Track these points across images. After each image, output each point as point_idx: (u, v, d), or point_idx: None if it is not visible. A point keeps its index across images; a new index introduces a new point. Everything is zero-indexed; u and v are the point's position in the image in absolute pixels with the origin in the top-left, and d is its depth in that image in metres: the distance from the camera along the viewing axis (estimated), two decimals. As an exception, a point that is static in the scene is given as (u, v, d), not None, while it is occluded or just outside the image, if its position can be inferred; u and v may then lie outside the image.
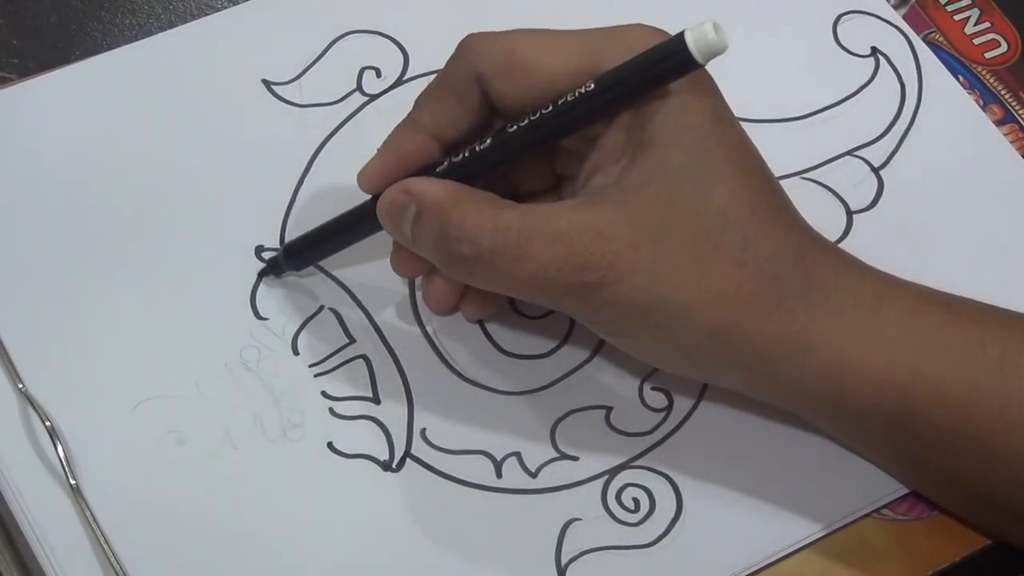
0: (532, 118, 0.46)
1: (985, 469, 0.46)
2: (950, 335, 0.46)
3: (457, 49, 0.48)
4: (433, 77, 0.49)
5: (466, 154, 0.47)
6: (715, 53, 0.42)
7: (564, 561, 0.48)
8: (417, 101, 0.49)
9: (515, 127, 0.47)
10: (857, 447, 0.50)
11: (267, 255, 0.53)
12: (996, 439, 0.45)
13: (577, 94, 0.45)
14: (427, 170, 0.48)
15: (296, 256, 0.52)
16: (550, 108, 0.46)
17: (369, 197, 0.49)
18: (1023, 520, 0.47)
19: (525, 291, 0.46)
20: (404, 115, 0.49)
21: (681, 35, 0.43)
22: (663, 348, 0.47)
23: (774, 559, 0.49)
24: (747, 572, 0.48)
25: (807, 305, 0.45)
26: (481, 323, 0.52)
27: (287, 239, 0.53)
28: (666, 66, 0.44)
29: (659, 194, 0.45)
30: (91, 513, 0.47)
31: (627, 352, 0.48)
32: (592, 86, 0.45)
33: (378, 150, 0.49)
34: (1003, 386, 0.45)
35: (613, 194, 0.45)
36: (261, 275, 0.52)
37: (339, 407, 0.50)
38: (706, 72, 0.45)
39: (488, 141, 0.47)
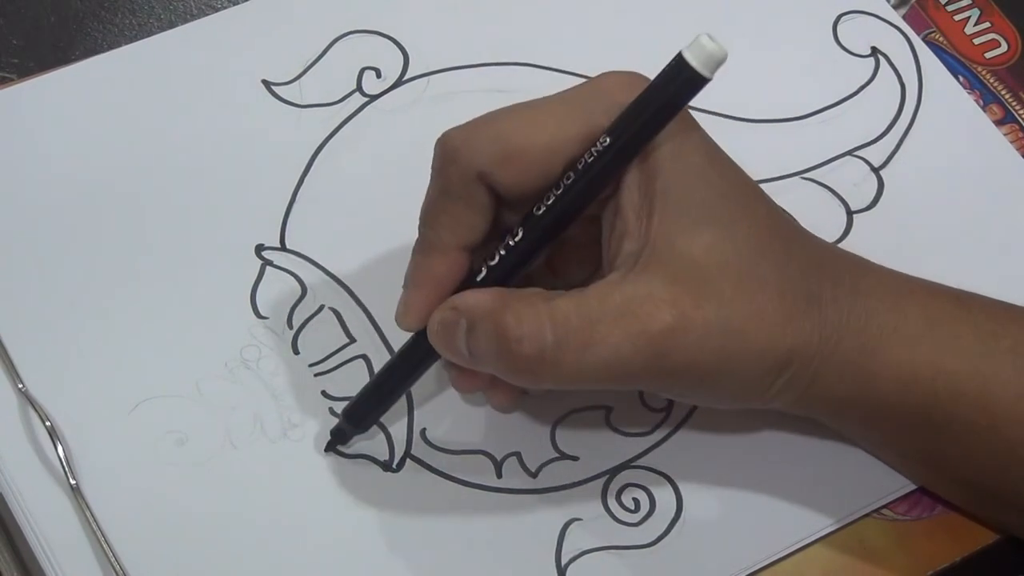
0: (557, 192, 0.44)
1: (1002, 461, 0.46)
2: (963, 329, 0.46)
3: (440, 152, 0.46)
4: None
5: (502, 253, 0.45)
6: (718, 63, 0.42)
7: (564, 561, 0.48)
8: (425, 221, 0.47)
9: (542, 208, 0.45)
10: (874, 446, 0.50)
11: (267, 254, 0.53)
12: (1012, 430, 0.46)
13: (594, 153, 0.44)
14: (466, 284, 0.46)
15: (359, 420, 0.49)
16: (571, 177, 0.44)
17: (411, 335, 0.47)
18: None
19: (599, 379, 0.44)
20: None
21: (679, 56, 0.42)
22: (731, 394, 0.46)
23: (774, 559, 0.49)
24: (747, 572, 0.48)
25: (839, 314, 0.46)
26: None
27: (287, 241, 0.53)
28: (675, 90, 0.43)
29: (692, 244, 0.44)
30: (91, 513, 0.47)
31: (686, 402, 0.48)
32: (607, 140, 0.44)
33: (406, 286, 0.47)
34: (1017, 377, 0.46)
35: (650, 256, 0.44)
36: (327, 449, 0.49)
37: (339, 407, 0.50)
38: (685, 108, 0.44)
39: (520, 232, 0.45)
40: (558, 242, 0.46)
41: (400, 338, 0.52)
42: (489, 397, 0.49)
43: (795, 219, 0.47)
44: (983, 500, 0.49)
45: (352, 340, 0.52)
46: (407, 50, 0.58)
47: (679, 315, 0.43)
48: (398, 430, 0.50)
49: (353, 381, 0.50)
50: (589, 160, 0.44)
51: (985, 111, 0.59)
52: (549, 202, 0.45)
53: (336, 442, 0.49)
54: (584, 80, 0.46)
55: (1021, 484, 0.47)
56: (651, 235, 0.44)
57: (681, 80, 0.42)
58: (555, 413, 0.51)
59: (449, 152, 0.45)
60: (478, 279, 0.46)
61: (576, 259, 0.48)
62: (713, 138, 0.46)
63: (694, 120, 0.45)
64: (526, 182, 0.45)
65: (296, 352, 0.51)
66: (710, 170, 0.45)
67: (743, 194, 0.45)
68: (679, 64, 0.42)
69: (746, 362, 0.44)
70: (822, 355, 0.45)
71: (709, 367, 0.44)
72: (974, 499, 0.49)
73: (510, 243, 0.45)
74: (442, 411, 0.51)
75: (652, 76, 0.43)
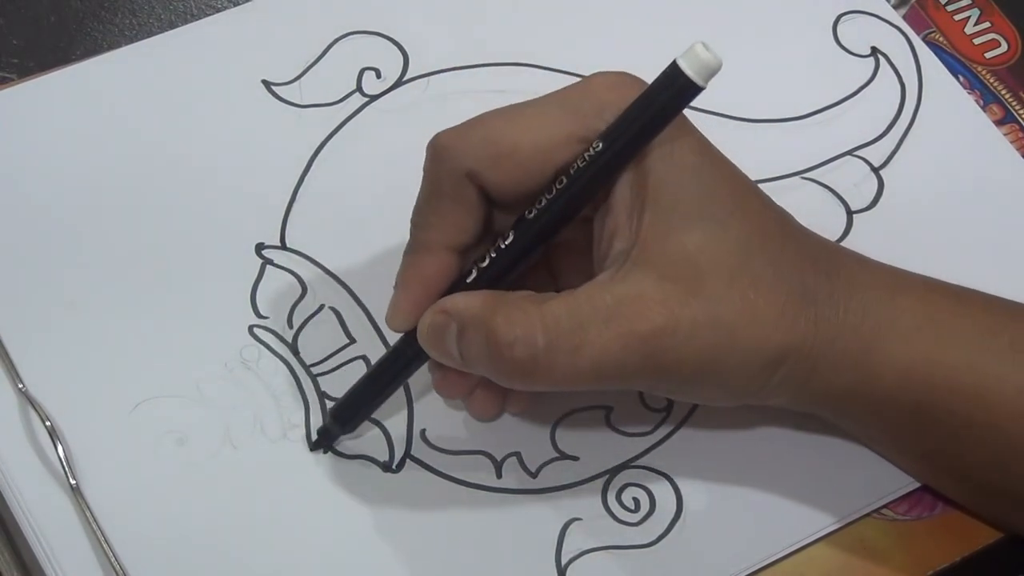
0: (549, 196, 0.44)
1: (1001, 456, 0.46)
2: (962, 324, 0.46)
3: (431, 153, 0.46)
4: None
5: (492, 255, 0.45)
6: (713, 72, 0.42)
7: (564, 561, 0.48)
8: (415, 222, 0.47)
9: (534, 211, 0.45)
10: (875, 443, 0.50)
11: (267, 253, 0.53)
12: (1011, 424, 0.46)
13: (587, 157, 0.44)
14: (456, 286, 0.46)
15: (346, 420, 0.49)
16: (563, 181, 0.44)
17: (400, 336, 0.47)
18: None
19: (591, 381, 0.44)
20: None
21: (674, 65, 0.42)
22: (725, 392, 0.46)
23: (774, 559, 0.49)
24: (747, 572, 0.48)
25: (835, 309, 0.46)
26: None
27: (288, 240, 0.53)
28: (669, 99, 0.43)
29: (683, 242, 0.44)
30: (91, 513, 0.47)
31: (682, 400, 0.48)
32: (600, 145, 0.44)
33: (396, 287, 0.47)
34: (1016, 372, 0.46)
35: (641, 255, 0.44)
36: (314, 449, 0.49)
37: (339, 407, 0.50)
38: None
39: (511, 235, 0.45)
40: (554, 246, 0.46)
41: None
42: (469, 405, 0.49)
43: (791, 216, 0.47)
44: (984, 497, 0.49)
45: (352, 340, 0.52)
46: (407, 50, 0.58)
47: (668, 314, 0.43)
48: (398, 430, 0.50)
49: (353, 381, 0.50)
50: (582, 165, 0.44)
51: (985, 111, 0.59)
52: (541, 206, 0.45)
53: (323, 442, 0.49)
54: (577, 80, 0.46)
55: (1019, 477, 0.47)
56: (641, 233, 0.44)
57: (675, 88, 0.42)
58: (555, 413, 0.51)
59: (439, 152, 0.46)
60: (468, 281, 0.46)
61: (574, 262, 0.48)
62: (713, 138, 0.46)
63: (687, 120, 0.45)
64: (516, 183, 0.45)
65: (296, 352, 0.51)
66: (703, 168, 0.45)
67: (736, 191, 0.45)
68: (673, 72, 0.42)
69: (739, 359, 0.44)
70: (818, 350, 0.45)
71: (701, 365, 0.44)
72: (975, 496, 0.49)
73: (501, 246, 0.45)
74: (442, 411, 0.51)
75: (651, 77, 0.43)
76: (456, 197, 0.46)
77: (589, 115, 0.44)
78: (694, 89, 0.42)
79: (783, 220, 0.47)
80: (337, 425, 0.49)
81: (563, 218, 0.45)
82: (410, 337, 0.47)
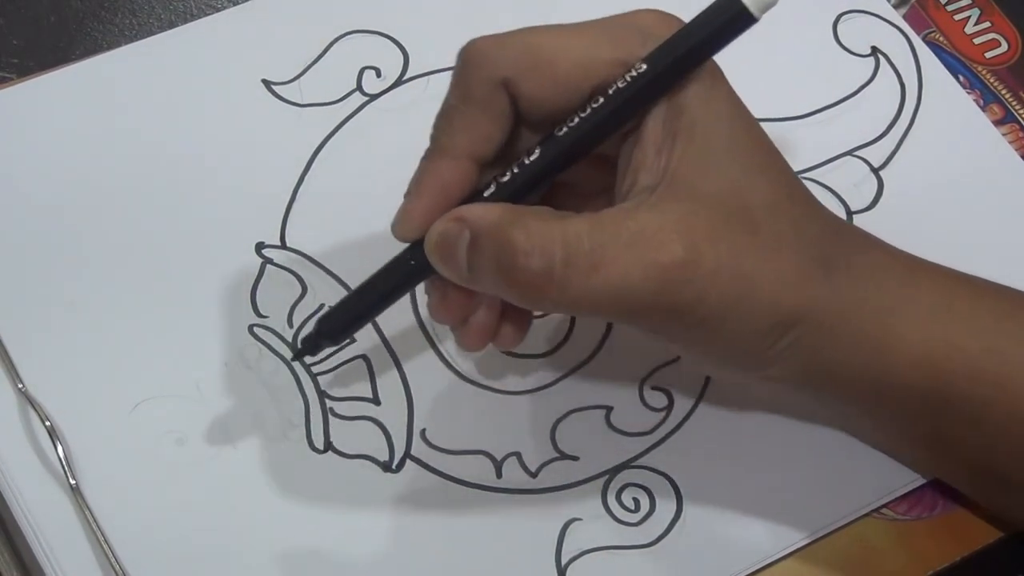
0: (583, 115, 0.43)
1: (1017, 443, 0.45)
2: (978, 308, 0.46)
3: (465, 57, 0.44)
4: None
5: (515, 170, 0.44)
6: (769, 5, 0.41)
7: (564, 561, 0.48)
8: (437, 125, 0.45)
9: (564, 128, 0.43)
10: (881, 431, 0.49)
11: (267, 252, 0.53)
12: None
13: (628, 79, 0.43)
14: (472, 199, 0.44)
15: (334, 331, 0.47)
16: (600, 100, 0.43)
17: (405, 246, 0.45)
18: None
19: (604, 306, 0.42)
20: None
21: None
22: (731, 348, 0.45)
23: (774, 559, 0.49)
24: (747, 572, 0.48)
25: (853, 282, 0.45)
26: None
27: (288, 239, 0.53)
28: (722, 24, 0.42)
29: (713, 183, 0.43)
30: (91, 513, 0.47)
31: (692, 362, 0.47)
32: (643, 66, 0.42)
33: (408, 194, 0.45)
34: None
35: (669, 189, 0.43)
36: (295, 359, 0.49)
37: (339, 407, 0.50)
38: (713, 60, 0.44)
39: (538, 151, 0.44)
40: (560, 186, 0.45)
41: (400, 338, 0.52)
42: (461, 335, 0.47)
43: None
44: (993, 488, 0.48)
45: (352, 340, 0.51)
46: (407, 50, 0.58)
47: (692, 249, 0.42)
48: (398, 430, 0.50)
49: (353, 381, 0.50)
50: (622, 86, 0.43)
51: (985, 111, 0.59)
52: (573, 123, 0.43)
53: (305, 351, 0.47)
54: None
55: None
56: (670, 170, 0.43)
57: (729, 15, 0.42)
58: (555, 413, 0.51)
59: (475, 57, 0.44)
60: (485, 195, 0.44)
61: (583, 208, 0.45)
62: None
63: (722, 72, 0.45)
64: (551, 97, 0.44)
65: (296, 352, 0.51)
66: (736, 119, 0.44)
67: (766, 149, 0.45)
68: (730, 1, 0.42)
69: (753, 310, 0.43)
70: (833, 323, 0.44)
71: (715, 308, 0.43)
72: (984, 487, 0.49)
73: (525, 161, 0.44)
74: (442, 411, 0.51)
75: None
76: (487, 104, 0.44)
77: (633, 42, 0.43)
78: (748, 19, 0.41)
79: (806, 193, 0.46)
80: (323, 336, 0.47)
81: (594, 139, 0.44)
82: (416, 248, 0.44)
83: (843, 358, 0.45)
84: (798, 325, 0.44)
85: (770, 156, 0.45)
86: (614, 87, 0.43)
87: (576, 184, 0.47)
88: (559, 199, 0.47)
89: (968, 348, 0.45)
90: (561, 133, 0.44)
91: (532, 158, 0.44)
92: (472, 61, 0.44)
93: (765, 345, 0.44)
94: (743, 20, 0.42)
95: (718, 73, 0.44)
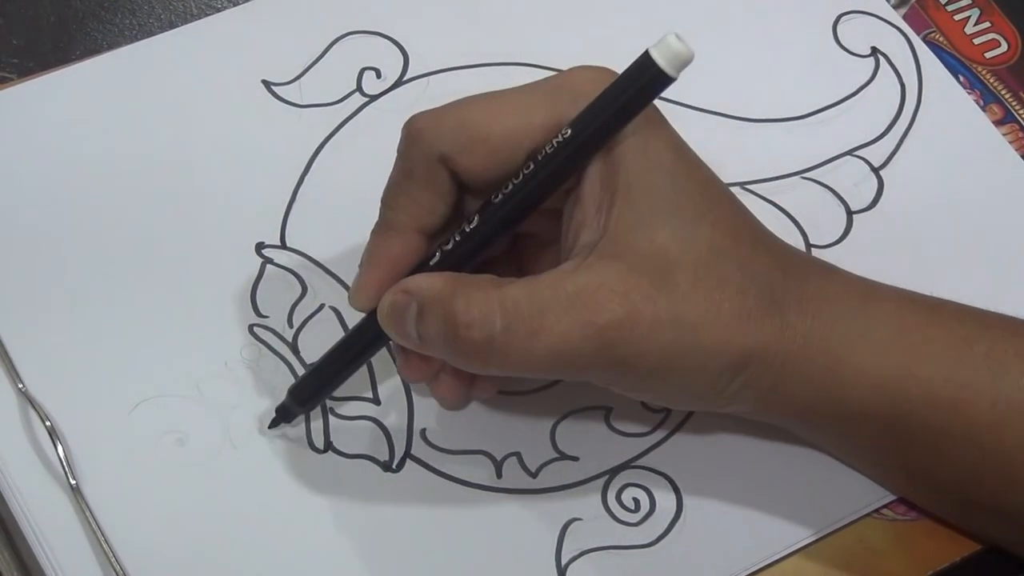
0: (516, 181, 0.44)
1: (976, 468, 0.46)
2: (936, 335, 0.46)
3: (405, 134, 0.46)
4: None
5: (457, 238, 0.45)
6: (684, 63, 0.42)
7: (564, 561, 0.48)
8: (385, 202, 0.47)
9: (500, 196, 0.45)
10: (850, 456, 0.50)
11: (267, 252, 0.53)
12: (987, 436, 0.45)
13: (555, 144, 0.44)
14: (420, 268, 0.46)
15: (304, 399, 0.49)
16: (531, 167, 0.44)
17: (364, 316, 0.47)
18: (1013, 520, 0.47)
19: (547, 368, 0.44)
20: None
21: (646, 54, 0.42)
22: (684, 392, 0.46)
23: (774, 559, 0.49)
24: (747, 572, 0.48)
25: (803, 318, 0.45)
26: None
27: (288, 239, 0.53)
28: (640, 88, 0.43)
29: (651, 238, 0.43)
30: (91, 513, 0.47)
31: (642, 400, 0.48)
32: (568, 131, 0.43)
33: (361, 266, 0.47)
34: (992, 383, 0.45)
35: (607, 247, 0.44)
36: (271, 427, 0.49)
37: (339, 407, 0.50)
38: (653, 105, 0.44)
39: (476, 219, 0.45)
40: (523, 238, 0.46)
41: (400, 338, 0.52)
42: (434, 389, 0.49)
43: (762, 224, 0.47)
44: (960, 509, 0.49)
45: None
46: (407, 50, 0.58)
47: (630, 307, 0.43)
48: (398, 430, 0.50)
49: (353, 381, 0.50)
50: (549, 151, 0.44)
51: (985, 111, 0.59)
52: (507, 191, 0.45)
53: (280, 419, 0.49)
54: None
55: (997, 491, 0.46)
56: (609, 226, 0.44)
57: (646, 78, 0.42)
58: (555, 413, 0.51)
59: (414, 134, 0.46)
60: (431, 263, 0.46)
61: (543, 257, 0.48)
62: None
63: (662, 116, 0.45)
64: (488, 169, 0.45)
65: (296, 351, 0.51)
66: (675, 167, 0.44)
67: (708, 193, 0.45)
68: (645, 62, 0.42)
69: (699, 359, 0.44)
70: (785, 358, 0.45)
71: (659, 362, 0.44)
72: (951, 508, 0.49)
73: (466, 229, 0.45)
74: (442, 411, 0.51)
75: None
76: (428, 180, 0.46)
77: (564, 105, 0.44)
78: (665, 79, 0.42)
79: (754, 226, 0.46)
80: (296, 404, 0.49)
81: (529, 204, 0.45)
82: (373, 317, 0.46)
83: (799, 392, 0.46)
84: (750, 365, 0.45)
85: (712, 200, 0.45)
86: (543, 153, 0.44)
87: (537, 234, 0.48)
88: (522, 249, 0.48)
89: (925, 376, 0.45)
90: (497, 200, 0.45)
91: (472, 226, 0.45)
92: (412, 138, 0.46)
93: (718, 387, 0.45)
94: (661, 81, 0.42)
95: (655, 120, 0.45)
